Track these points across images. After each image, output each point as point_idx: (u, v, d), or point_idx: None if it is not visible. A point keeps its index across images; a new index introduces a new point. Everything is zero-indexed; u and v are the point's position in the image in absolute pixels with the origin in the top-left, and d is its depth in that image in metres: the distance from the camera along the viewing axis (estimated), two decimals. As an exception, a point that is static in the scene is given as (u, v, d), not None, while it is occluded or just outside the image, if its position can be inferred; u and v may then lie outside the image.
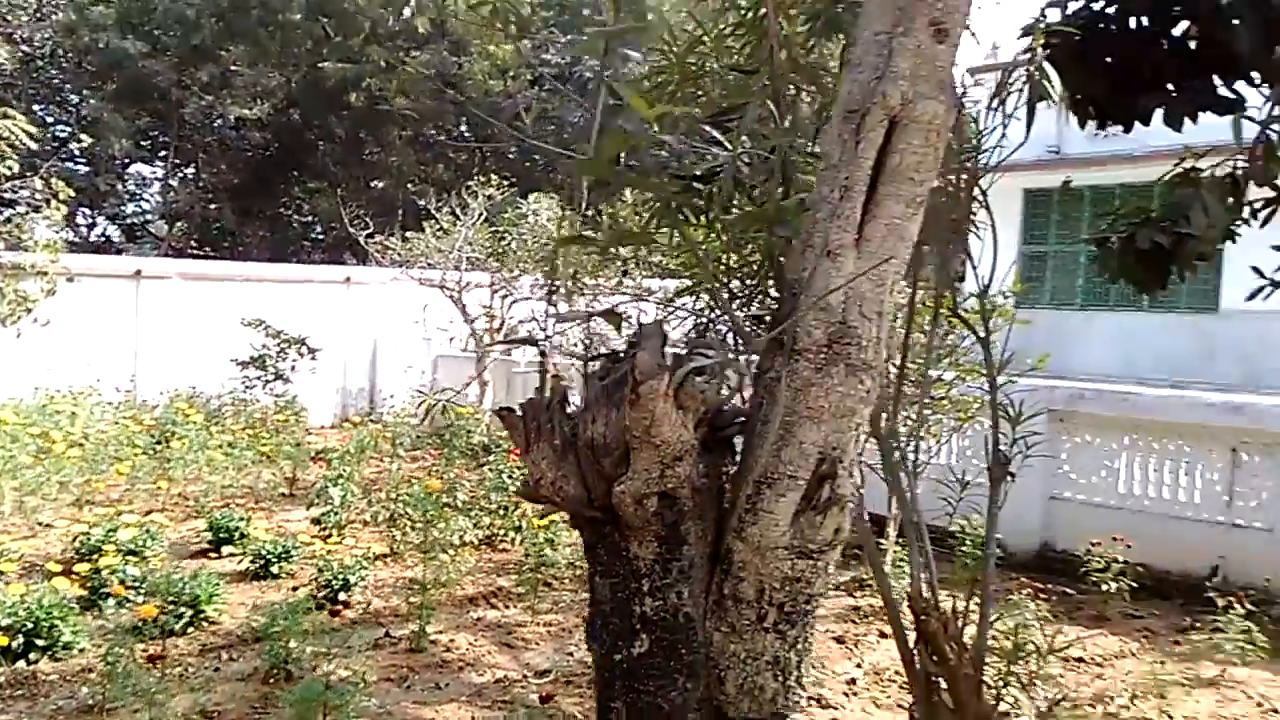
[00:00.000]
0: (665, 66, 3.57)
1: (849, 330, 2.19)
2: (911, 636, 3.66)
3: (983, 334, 4.06)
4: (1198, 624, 5.72)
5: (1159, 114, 3.87)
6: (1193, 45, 3.78)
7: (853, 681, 5.29)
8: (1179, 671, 5.44)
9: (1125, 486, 7.17)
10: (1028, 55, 4.19)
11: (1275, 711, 5.12)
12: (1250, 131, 3.66)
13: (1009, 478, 3.94)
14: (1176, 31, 3.82)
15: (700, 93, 3.83)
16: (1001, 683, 4.25)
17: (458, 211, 12.65)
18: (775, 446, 2.21)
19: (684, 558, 2.27)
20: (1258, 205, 3.69)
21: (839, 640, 5.93)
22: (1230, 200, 3.55)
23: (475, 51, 25.04)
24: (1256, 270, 4.11)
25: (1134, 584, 6.25)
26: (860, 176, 2.19)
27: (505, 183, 12.88)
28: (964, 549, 6.74)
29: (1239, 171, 3.56)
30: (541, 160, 23.69)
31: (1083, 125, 4.13)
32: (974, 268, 4.55)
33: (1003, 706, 4.19)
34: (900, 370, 4.07)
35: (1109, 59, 3.92)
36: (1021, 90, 3.39)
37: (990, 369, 4.00)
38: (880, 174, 2.19)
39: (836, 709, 4.98)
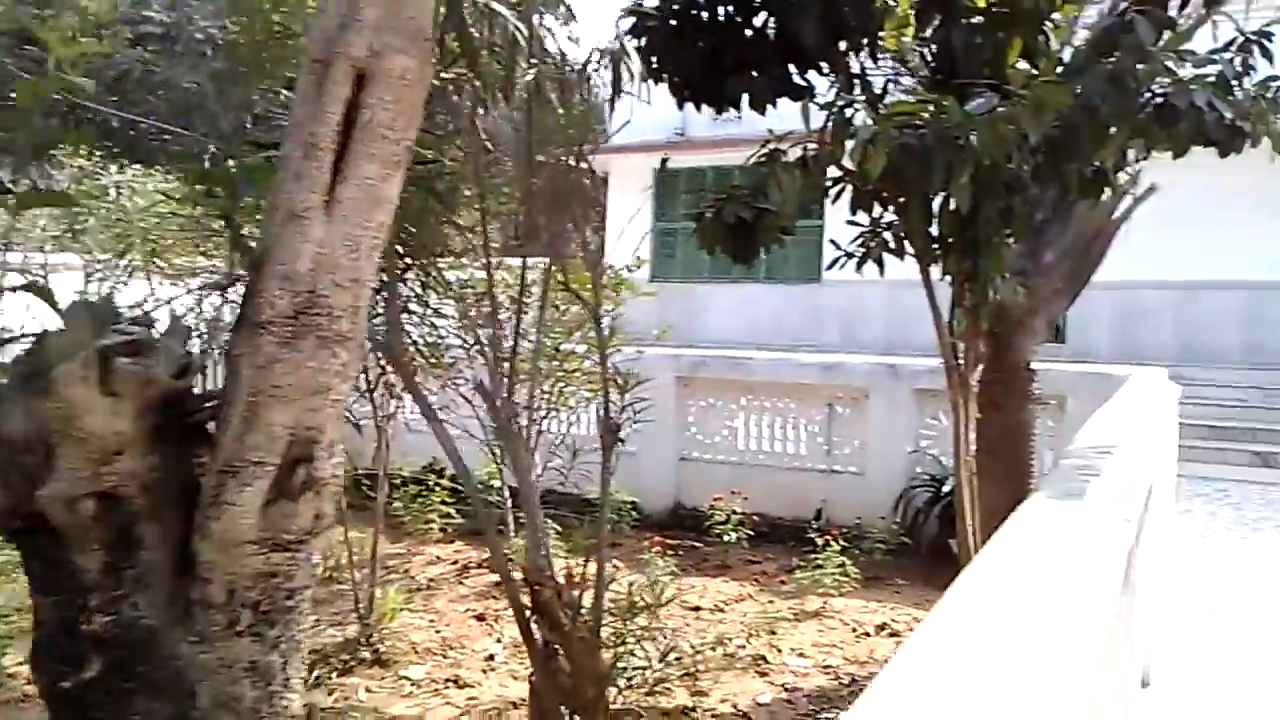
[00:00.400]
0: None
1: (319, 300, 2.02)
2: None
3: (594, 306, 4.17)
4: (802, 564, 6.33)
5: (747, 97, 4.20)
6: (771, 35, 4.09)
7: (491, 658, 5.29)
8: (788, 608, 6.00)
9: (744, 443, 7.79)
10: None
11: (867, 634, 5.78)
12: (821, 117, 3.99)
13: (619, 443, 4.09)
14: (758, 22, 4.11)
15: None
16: (619, 641, 4.42)
17: (39, 184, 11.03)
18: (239, 431, 2.01)
19: (139, 564, 2.00)
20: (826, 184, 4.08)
21: (479, 618, 5.91)
22: (802, 178, 3.90)
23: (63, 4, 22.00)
24: (834, 243, 4.59)
25: (751, 532, 6.81)
26: (326, 133, 2.02)
27: (105, 152, 11.42)
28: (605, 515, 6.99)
29: (810, 153, 3.91)
30: (153, 128, 21.36)
31: (680, 105, 4.35)
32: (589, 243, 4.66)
33: (622, 664, 4.35)
34: (514, 346, 4.08)
35: (700, 44, 4.14)
36: (607, 69, 3.49)
37: (601, 340, 4.12)
38: (351, 131, 2.04)
39: (474, 686, 4.95)
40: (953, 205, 3.64)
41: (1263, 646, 4.91)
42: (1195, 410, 10.23)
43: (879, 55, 4.33)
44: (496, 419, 3.89)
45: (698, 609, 5.99)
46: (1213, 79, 3.74)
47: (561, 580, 3.66)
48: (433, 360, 5.56)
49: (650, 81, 4.30)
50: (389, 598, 5.77)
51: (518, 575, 3.83)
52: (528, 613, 3.62)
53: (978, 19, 3.77)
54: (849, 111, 3.44)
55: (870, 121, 3.28)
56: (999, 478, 5.13)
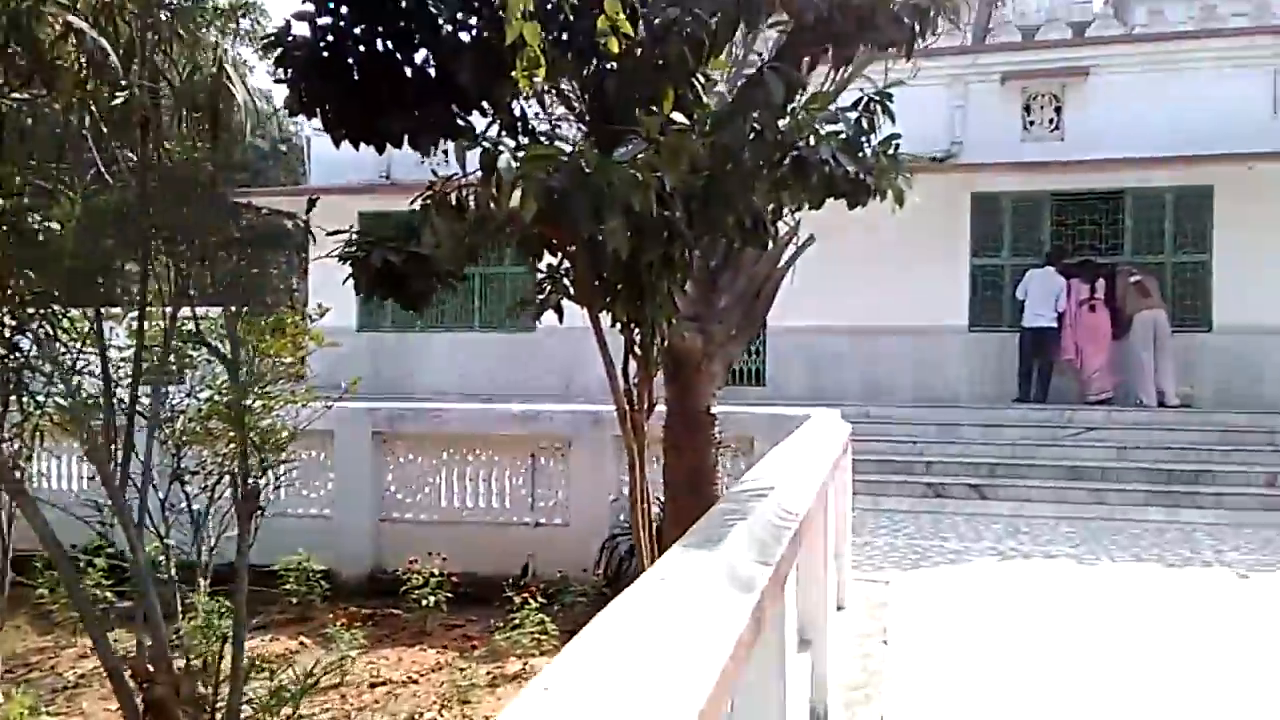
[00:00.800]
0: None
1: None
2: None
3: (228, 355, 3.78)
4: (503, 624, 6.10)
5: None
6: (432, 73, 3.93)
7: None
8: (486, 672, 5.74)
9: (447, 500, 7.49)
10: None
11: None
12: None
13: (258, 510, 3.71)
14: (418, 58, 3.93)
15: None
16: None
17: None
18: None
19: None
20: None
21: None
22: (461, 222, 3.75)
23: None
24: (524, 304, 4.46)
25: (450, 595, 6.48)
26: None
27: None
28: (290, 586, 6.44)
29: (468, 194, 3.77)
30: None
31: (337, 143, 4.08)
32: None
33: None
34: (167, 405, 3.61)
35: (354, 78, 3.90)
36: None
37: (237, 393, 3.73)
38: None
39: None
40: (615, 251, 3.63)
41: (930, 665, 5.22)
42: (878, 446, 11.07)
43: (546, 99, 4.30)
44: (108, 486, 3.39)
45: (386, 683, 5.59)
46: (842, 135, 3.98)
47: (180, 673, 3.22)
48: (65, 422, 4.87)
49: (303, 116, 4.03)
50: (14, 702, 4.94)
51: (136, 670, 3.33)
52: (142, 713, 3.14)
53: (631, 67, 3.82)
54: (497, 153, 3.32)
55: (515, 164, 3.18)
56: (684, 520, 5.15)
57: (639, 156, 3.20)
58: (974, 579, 7.11)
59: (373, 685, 5.52)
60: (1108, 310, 12.13)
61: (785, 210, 4.77)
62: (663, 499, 5.63)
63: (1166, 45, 12.91)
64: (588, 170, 3.09)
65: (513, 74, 3.68)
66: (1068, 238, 12.89)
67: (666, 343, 5.20)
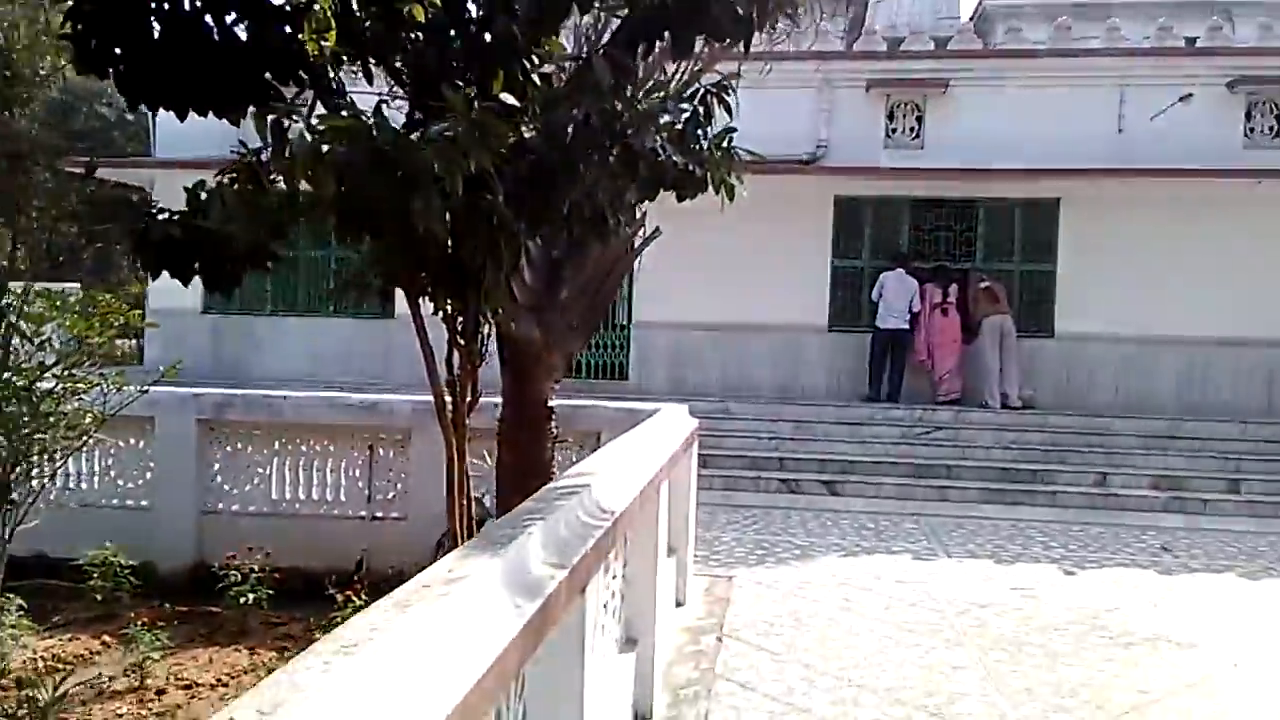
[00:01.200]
0: None
1: None
2: None
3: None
4: (325, 623, 5.80)
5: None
6: (243, 36, 3.64)
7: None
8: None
9: (278, 492, 7.12)
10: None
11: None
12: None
13: (8, 505, 3.38)
14: (229, 19, 3.64)
15: None
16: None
17: None
18: None
19: None
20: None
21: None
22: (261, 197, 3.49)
23: None
24: (337, 272, 4.21)
25: (272, 591, 6.13)
26: None
27: None
28: (94, 583, 5.98)
29: (261, 166, 3.50)
30: None
31: (132, 107, 3.76)
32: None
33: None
34: None
35: (153, 36, 3.58)
36: None
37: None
38: None
39: None
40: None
41: (764, 661, 5.22)
42: (735, 442, 11.16)
43: (372, 71, 4.06)
44: None
45: (191, 686, 5.24)
46: (678, 126, 3.89)
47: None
48: None
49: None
50: None
51: None
52: None
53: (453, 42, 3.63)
54: (292, 123, 3.09)
55: (308, 136, 2.95)
56: (516, 517, 5.03)
57: (447, 134, 3.01)
58: (817, 574, 7.19)
59: (179, 688, 5.17)
60: (959, 314, 12.56)
61: (631, 202, 4.67)
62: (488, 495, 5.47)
63: (1021, 62, 13.43)
64: (386, 148, 2.88)
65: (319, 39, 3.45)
66: (925, 243, 13.28)
67: (501, 333, 5.04)
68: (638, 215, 5.24)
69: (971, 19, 21.96)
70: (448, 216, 3.40)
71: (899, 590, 6.79)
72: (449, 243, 3.65)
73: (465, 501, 4.25)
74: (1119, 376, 12.72)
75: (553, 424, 5.28)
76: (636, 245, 5.46)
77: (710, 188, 3.91)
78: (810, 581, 6.96)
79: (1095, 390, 12.74)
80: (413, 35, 3.49)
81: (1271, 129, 12.93)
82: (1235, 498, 10.42)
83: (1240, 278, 12.37)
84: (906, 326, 12.51)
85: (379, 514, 7.06)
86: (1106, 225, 12.64)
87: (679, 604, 6.20)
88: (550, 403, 5.26)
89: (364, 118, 3.17)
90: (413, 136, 3.21)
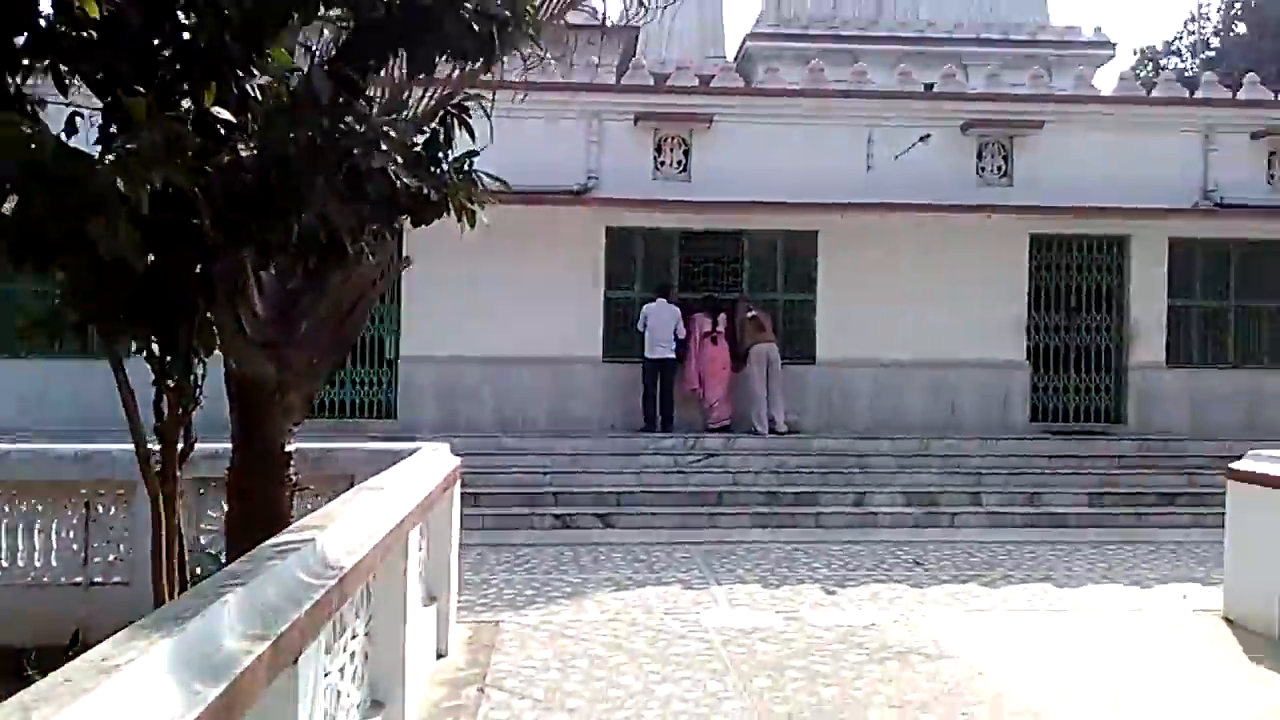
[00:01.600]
0: None
1: None
2: None
3: None
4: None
5: None
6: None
7: None
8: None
9: (-22, 559, 6.18)
10: None
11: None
12: None
13: None
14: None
15: None
16: None
17: None
18: None
19: None
20: None
21: None
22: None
23: None
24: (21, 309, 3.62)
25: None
26: None
27: None
28: None
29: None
30: None
31: None
32: None
33: None
34: None
35: None
36: None
37: None
38: None
39: None
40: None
41: (525, 713, 4.97)
42: (508, 479, 10.90)
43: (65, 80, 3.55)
44: None
45: None
46: (415, 148, 3.65)
47: None
48: None
49: None
50: None
51: None
52: None
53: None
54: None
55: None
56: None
57: (129, 147, 2.63)
58: (587, 613, 7.03)
59: None
60: (728, 343, 12.91)
61: (373, 229, 4.34)
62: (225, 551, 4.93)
63: (779, 101, 14.06)
64: (45, 161, 2.47)
65: None
66: (695, 274, 13.58)
67: (229, 372, 4.58)
68: (388, 242, 4.92)
69: (735, 58, 22.96)
70: (141, 242, 2.98)
71: (668, 623, 6.74)
72: (147, 272, 3.22)
73: (178, 564, 3.76)
74: (874, 399, 13.47)
75: (291, 469, 4.83)
76: (385, 275, 5.13)
77: (450, 213, 3.67)
78: (579, 620, 6.78)
79: (854, 414, 13.41)
80: (93, 36, 3.06)
81: (999, 168, 14.18)
82: (978, 509, 11.21)
83: (975, 303, 13.45)
84: (673, 355, 12.72)
85: (98, 578, 6.26)
86: (859, 256, 13.40)
87: (440, 655, 5.85)
88: (289, 447, 4.81)
89: (28, 127, 2.72)
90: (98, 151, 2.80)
